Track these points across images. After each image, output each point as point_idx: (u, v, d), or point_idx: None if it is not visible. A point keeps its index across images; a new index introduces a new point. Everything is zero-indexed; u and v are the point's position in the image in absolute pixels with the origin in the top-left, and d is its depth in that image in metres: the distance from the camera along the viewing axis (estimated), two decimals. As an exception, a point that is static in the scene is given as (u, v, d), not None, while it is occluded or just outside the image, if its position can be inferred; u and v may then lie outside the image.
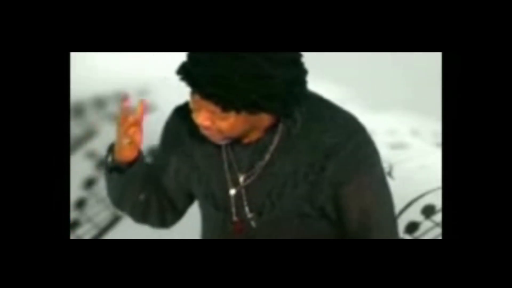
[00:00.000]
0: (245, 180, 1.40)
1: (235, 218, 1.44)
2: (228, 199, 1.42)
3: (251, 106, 1.29)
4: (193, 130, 1.39)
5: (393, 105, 4.26)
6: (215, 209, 1.45)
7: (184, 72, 1.31)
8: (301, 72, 1.34)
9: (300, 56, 1.35)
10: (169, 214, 1.57)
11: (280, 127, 1.36)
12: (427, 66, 4.26)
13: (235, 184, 1.41)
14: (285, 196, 1.38)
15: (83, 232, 4.47)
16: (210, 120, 1.32)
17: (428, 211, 2.46)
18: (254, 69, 1.28)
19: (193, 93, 1.33)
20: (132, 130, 1.42)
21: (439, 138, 3.26)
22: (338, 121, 1.37)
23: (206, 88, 1.28)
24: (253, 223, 1.43)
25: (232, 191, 1.42)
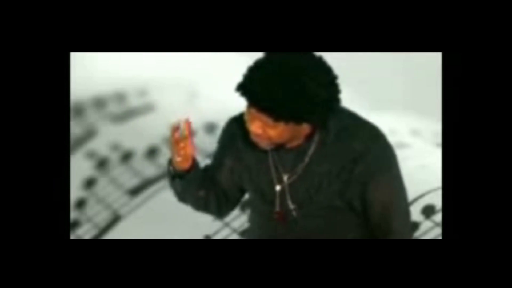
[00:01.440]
0: (288, 178, 1.72)
1: (278, 209, 1.72)
2: (274, 194, 1.73)
3: (297, 118, 1.61)
4: (246, 137, 1.72)
5: (393, 105, 4.26)
6: (263, 202, 1.75)
7: (243, 88, 1.62)
8: (337, 91, 1.65)
9: (336, 77, 1.64)
10: (225, 206, 1.85)
11: (316, 136, 1.68)
12: (427, 66, 4.26)
13: (280, 181, 1.72)
14: (321, 192, 1.69)
15: (83, 232, 4.47)
16: (262, 129, 1.64)
17: (428, 211, 2.46)
18: (302, 89, 1.59)
19: (249, 106, 1.64)
20: (182, 150, 1.79)
21: (439, 138, 3.26)
22: (364, 131, 1.70)
23: (262, 102, 1.60)
24: (294, 214, 1.72)
25: (278, 187, 1.72)
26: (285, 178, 1.72)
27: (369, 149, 1.67)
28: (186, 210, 3.49)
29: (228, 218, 3.34)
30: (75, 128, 5.88)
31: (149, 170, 5.18)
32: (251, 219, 1.86)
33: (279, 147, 1.69)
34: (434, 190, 2.49)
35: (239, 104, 3.51)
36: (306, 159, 1.69)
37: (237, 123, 1.78)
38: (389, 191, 1.69)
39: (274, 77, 1.60)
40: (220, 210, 1.87)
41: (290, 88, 1.59)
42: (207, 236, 4.03)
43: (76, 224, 4.53)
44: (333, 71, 1.65)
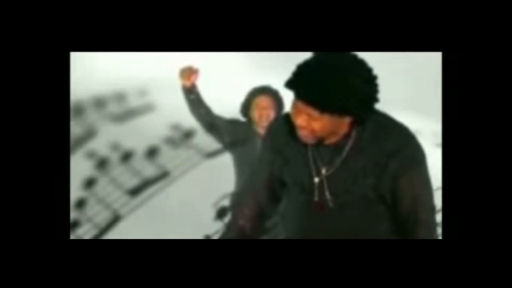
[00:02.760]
0: (326, 171, 1.84)
1: (317, 199, 1.85)
2: (312, 185, 1.85)
3: (342, 110, 1.72)
4: (287, 133, 1.86)
5: (393, 105, 4.26)
6: (301, 192, 1.88)
7: (293, 83, 1.73)
8: (377, 89, 1.76)
9: (377, 77, 1.75)
10: (270, 201, 1.98)
11: (354, 132, 1.80)
12: (427, 66, 4.26)
13: (318, 174, 1.85)
14: (356, 185, 1.81)
15: (83, 232, 4.47)
16: (307, 122, 1.75)
17: (428, 211, 2.46)
18: (347, 83, 1.70)
19: (295, 99, 1.75)
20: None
21: (439, 138, 3.26)
22: (397, 130, 1.82)
23: (310, 94, 1.71)
24: (330, 204, 1.84)
25: (316, 179, 1.85)
26: (323, 170, 1.84)
27: (403, 147, 1.78)
28: (186, 210, 3.49)
29: (228, 218, 3.34)
30: (75, 128, 5.89)
31: (149, 170, 5.19)
32: (286, 212, 1.97)
33: (318, 143, 1.82)
34: (434, 190, 2.49)
35: (238, 104, 3.50)
36: (344, 154, 1.81)
37: (281, 122, 1.93)
38: (419, 186, 1.79)
39: (321, 72, 1.72)
40: (270, 206, 1.99)
41: (336, 82, 1.70)
42: (207, 236, 4.03)
43: (76, 224, 4.54)
44: (374, 70, 1.77)
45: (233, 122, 3.28)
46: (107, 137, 5.73)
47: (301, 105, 1.74)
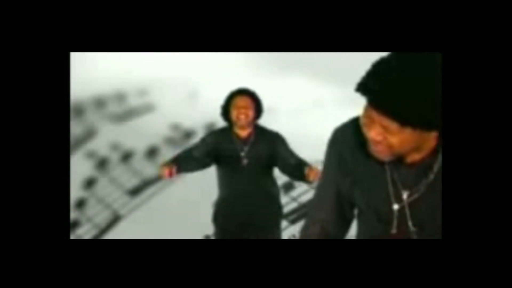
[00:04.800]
0: (408, 196, 1.50)
1: (395, 231, 1.54)
2: (391, 213, 1.52)
3: (427, 124, 1.37)
4: (357, 147, 1.51)
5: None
6: (378, 221, 1.55)
7: (365, 88, 1.36)
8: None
9: None
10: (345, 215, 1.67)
11: (440, 149, 1.48)
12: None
13: (398, 200, 1.51)
14: None
15: (83, 232, 4.48)
16: (382, 136, 1.39)
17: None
18: (435, 90, 1.36)
19: (367, 108, 1.39)
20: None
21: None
22: None
23: (388, 104, 1.33)
24: (414, 237, 1.53)
25: (396, 206, 1.51)
26: (404, 195, 1.51)
27: None
28: (186, 210, 3.49)
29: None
30: (75, 128, 5.90)
31: (149, 170, 5.20)
32: (360, 233, 1.69)
33: (398, 160, 1.48)
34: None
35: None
36: (431, 176, 1.50)
37: (346, 132, 1.56)
38: None
39: (402, 76, 1.35)
40: (339, 229, 1.69)
41: (421, 88, 1.35)
42: (207, 236, 4.04)
43: (76, 224, 4.54)
44: None
45: (211, 135, 3.28)
46: (107, 137, 5.74)
47: (375, 115, 1.37)
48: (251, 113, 3.17)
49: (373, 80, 1.35)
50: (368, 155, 1.48)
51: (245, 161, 3.17)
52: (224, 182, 3.24)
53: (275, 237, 3.25)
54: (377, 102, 1.34)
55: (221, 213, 3.26)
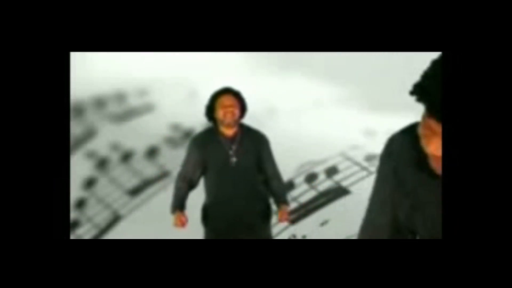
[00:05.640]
0: None
1: None
2: None
3: None
4: (417, 164, 1.27)
5: (393, 105, 4.27)
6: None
7: (421, 92, 1.14)
8: None
9: None
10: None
11: None
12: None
13: None
14: None
15: (83, 232, 4.48)
16: None
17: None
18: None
19: (426, 116, 1.17)
20: None
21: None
22: None
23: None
24: None
25: None
26: None
27: None
28: (186, 210, 3.49)
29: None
30: (75, 128, 5.90)
31: (149, 170, 5.20)
32: None
33: None
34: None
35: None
36: None
37: (404, 141, 1.30)
38: None
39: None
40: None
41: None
42: (207, 236, 4.03)
43: (76, 224, 4.55)
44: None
45: (195, 141, 3.28)
46: (107, 137, 5.74)
47: (437, 126, 1.16)
48: (237, 112, 3.17)
49: (432, 85, 1.09)
50: (431, 174, 1.26)
51: (233, 160, 3.17)
52: (213, 183, 3.23)
53: (263, 236, 3.20)
54: (440, 112, 1.06)
55: (211, 214, 3.24)
